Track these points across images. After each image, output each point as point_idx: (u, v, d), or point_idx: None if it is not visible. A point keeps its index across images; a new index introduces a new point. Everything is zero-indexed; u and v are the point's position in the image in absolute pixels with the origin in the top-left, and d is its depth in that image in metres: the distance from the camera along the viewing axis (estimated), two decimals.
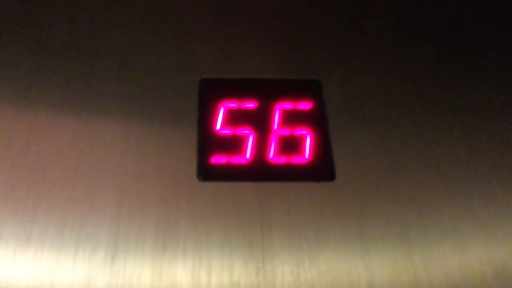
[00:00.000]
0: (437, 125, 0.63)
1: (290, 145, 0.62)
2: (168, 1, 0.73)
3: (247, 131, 0.62)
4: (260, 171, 0.59)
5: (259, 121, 0.63)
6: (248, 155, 0.60)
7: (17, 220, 0.53)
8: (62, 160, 0.57)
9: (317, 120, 0.64)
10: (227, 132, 0.62)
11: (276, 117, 0.64)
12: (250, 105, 0.64)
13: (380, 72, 0.68)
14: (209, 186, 0.57)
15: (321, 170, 0.60)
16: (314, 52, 0.69)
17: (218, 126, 0.62)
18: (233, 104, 0.64)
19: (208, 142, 0.61)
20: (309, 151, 0.61)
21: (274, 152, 0.61)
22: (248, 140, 0.61)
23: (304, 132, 0.63)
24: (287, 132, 0.62)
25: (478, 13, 0.74)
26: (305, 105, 0.65)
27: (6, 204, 0.54)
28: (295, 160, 0.60)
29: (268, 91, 0.66)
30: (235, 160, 0.60)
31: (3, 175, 0.56)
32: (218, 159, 0.60)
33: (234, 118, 0.63)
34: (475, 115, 0.64)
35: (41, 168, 0.57)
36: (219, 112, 0.63)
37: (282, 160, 0.60)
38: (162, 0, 0.73)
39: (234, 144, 0.61)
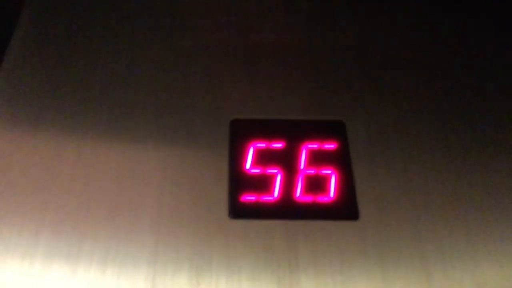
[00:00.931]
0: (457, 163, 0.66)
1: (316, 184, 0.65)
2: (199, 42, 0.78)
3: (275, 171, 0.66)
4: (287, 210, 0.63)
5: (286, 161, 0.67)
6: (276, 193, 0.64)
7: (62, 257, 0.58)
8: (104, 198, 0.62)
9: (342, 160, 0.67)
10: (257, 171, 0.66)
11: (303, 156, 0.67)
12: (278, 145, 0.68)
13: (402, 112, 0.71)
14: (240, 223, 0.61)
15: (345, 209, 0.63)
16: (338, 93, 0.73)
17: (248, 165, 0.66)
18: (262, 144, 0.68)
19: (238, 181, 0.65)
20: (334, 190, 0.64)
21: (300, 191, 0.64)
22: (276, 179, 0.65)
23: (329, 171, 0.66)
24: (313, 172, 0.66)
25: (497, 49, 0.77)
26: (330, 145, 0.68)
27: (52, 241, 0.59)
28: (321, 199, 0.64)
29: (295, 131, 0.69)
30: (264, 198, 0.64)
31: (50, 213, 0.61)
32: (248, 197, 0.64)
33: (263, 157, 0.67)
34: (495, 153, 0.67)
35: (85, 205, 0.61)
36: (248, 152, 0.67)
37: (308, 198, 0.64)
38: (193, 42, 0.78)
39: (263, 183, 0.65)
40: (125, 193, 0.63)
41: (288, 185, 0.65)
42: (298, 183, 0.65)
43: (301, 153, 0.68)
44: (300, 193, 0.64)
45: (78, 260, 0.57)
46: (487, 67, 0.76)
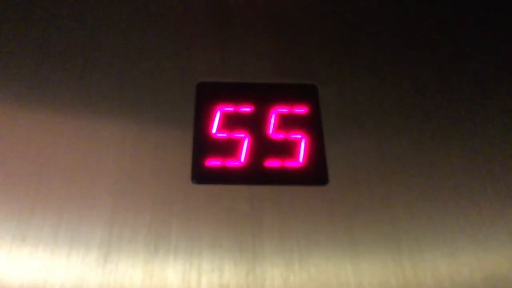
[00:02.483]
0: (432, 129, 0.63)
1: (285, 149, 0.62)
2: (166, 5, 0.74)
3: (242, 135, 0.63)
4: (254, 175, 0.60)
5: (254, 125, 0.64)
6: (242, 158, 0.61)
7: (13, 220, 0.55)
8: (59, 162, 0.59)
9: (313, 125, 0.64)
10: (223, 135, 0.63)
11: (272, 121, 0.64)
12: (246, 109, 0.65)
13: (376, 77, 0.68)
14: (203, 188, 0.58)
15: (314, 174, 0.60)
16: (310, 56, 0.70)
17: (214, 130, 0.63)
18: (229, 108, 0.65)
19: (203, 145, 0.62)
20: (303, 155, 0.62)
21: (268, 156, 0.61)
22: (243, 143, 0.62)
23: (299, 136, 0.63)
24: (282, 136, 0.63)
25: (477, 16, 0.74)
26: (301, 110, 0.65)
27: (2, 203, 0.55)
28: (289, 164, 0.61)
29: (264, 95, 0.66)
30: (230, 163, 0.61)
31: (2, 174, 0.57)
32: (213, 162, 0.61)
33: (230, 122, 0.64)
34: (470, 120, 0.64)
35: (38, 169, 0.58)
36: (215, 116, 0.64)
37: (277, 164, 0.61)
38: (160, 4, 0.74)
39: (229, 148, 0.62)
40: (81, 156, 0.59)
41: (256, 150, 0.62)
42: (266, 148, 0.62)
43: (270, 117, 0.65)
44: (268, 158, 0.61)
45: (28, 226, 0.54)
46: (468, 32, 0.73)
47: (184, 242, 0.54)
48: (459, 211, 0.58)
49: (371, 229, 0.56)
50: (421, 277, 0.53)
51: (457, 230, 0.56)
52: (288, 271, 0.53)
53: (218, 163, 0.61)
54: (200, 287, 0.52)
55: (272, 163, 0.61)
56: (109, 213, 0.55)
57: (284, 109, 0.65)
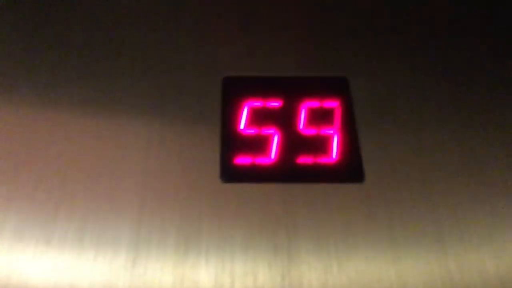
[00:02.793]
0: (474, 121, 0.60)
1: (317, 145, 0.59)
2: None
3: (272, 131, 0.60)
4: (285, 172, 0.57)
5: (284, 120, 0.61)
6: (273, 155, 0.58)
7: (38, 222, 0.52)
8: (83, 161, 0.56)
9: (345, 119, 0.61)
10: (251, 132, 0.60)
11: (302, 116, 0.61)
12: (275, 103, 0.62)
13: (410, 67, 0.65)
14: (233, 187, 0.55)
15: (350, 171, 0.57)
16: (340, 48, 0.67)
17: (242, 126, 0.60)
18: (257, 103, 0.62)
19: (231, 142, 0.59)
20: (337, 151, 0.59)
21: (300, 152, 0.58)
22: (273, 140, 0.59)
23: (331, 131, 0.60)
24: (314, 132, 0.60)
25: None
26: (332, 103, 0.62)
27: (27, 205, 0.53)
28: (322, 160, 0.58)
29: (293, 89, 0.63)
30: (260, 160, 0.58)
31: (24, 176, 0.55)
32: (242, 159, 0.58)
33: (258, 117, 0.61)
34: None
35: (62, 169, 0.56)
36: (243, 111, 0.61)
37: (309, 160, 0.58)
38: None
39: (258, 144, 0.59)
40: (107, 156, 0.57)
41: (286, 146, 0.59)
42: (297, 144, 0.59)
43: (300, 112, 0.62)
44: (300, 155, 0.58)
45: (53, 229, 0.52)
46: (503, 22, 0.69)
47: (215, 244, 0.52)
48: (505, 206, 0.54)
49: (413, 228, 0.53)
50: (468, 279, 0.50)
51: (504, 227, 0.53)
52: (326, 274, 0.50)
53: (248, 160, 0.58)
54: None
55: (304, 159, 0.58)
56: (136, 215, 0.53)
57: (314, 103, 0.62)
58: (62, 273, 0.49)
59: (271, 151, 0.58)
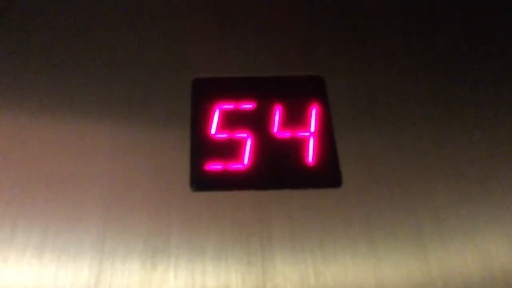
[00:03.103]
0: (452, 121, 0.58)
1: (292, 148, 0.56)
2: None
3: (245, 135, 0.57)
4: (259, 179, 0.54)
5: (257, 123, 0.58)
6: (246, 161, 0.55)
7: None
8: (43, 170, 0.53)
9: (321, 121, 0.58)
10: (223, 136, 0.57)
11: (276, 118, 0.58)
12: (248, 106, 0.59)
13: (388, 67, 0.62)
14: (204, 196, 0.53)
15: (326, 175, 0.55)
16: (316, 47, 0.64)
17: (213, 130, 0.57)
18: (229, 105, 0.59)
19: (202, 148, 0.56)
20: (313, 155, 0.56)
21: (274, 157, 0.56)
22: (245, 144, 0.57)
23: (307, 134, 0.58)
24: (288, 135, 0.57)
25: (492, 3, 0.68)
26: (308, 104, 0.60)
27: None
28: (298, 165, 0.55)
29: (267, 90, 0.61)
30: (232, 166, 0.55)
31: None
32: (213, 166, 0.55)
33: (230, 120, 0.58)
34: (493, 109, 0.59)
35: (22, 176, 0.52)
36: (214, 114, 0.58)
37: (284, 165, 0.55)
38: None
39: (230, 149, 0.56)
40: (69, 162, 0.53)
41: (260, 151, 0.56)
42: (271, 148, 0.56)
43: (274, 114, 0.59)
44: (274, 160, 0.56)
45: (10, 245, 0.48)
46: (485, 18, 0.67)
47: (185, 256, 0.49)
48: (486, 206, 0.52)
49: (393, 233, 0.50)
50: (451, 285, 0.48)
51: (488, 230, 0.51)
52: (303, 285, 0.47)
53: (219, 167, 0.55)
54: None
55: (278, 164, 0.55)
56: (100, 227, 0.49)
57: (289, 105, 0.59)
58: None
59: (244, 156, 0.56)
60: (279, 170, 0.55)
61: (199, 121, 0.58)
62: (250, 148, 0.56)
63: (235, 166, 0.55)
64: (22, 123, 0.56)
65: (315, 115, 0.59)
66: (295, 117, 0.59)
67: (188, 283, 0.47)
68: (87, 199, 0.51)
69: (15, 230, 0.49)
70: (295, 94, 0.60)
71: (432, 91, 0.60)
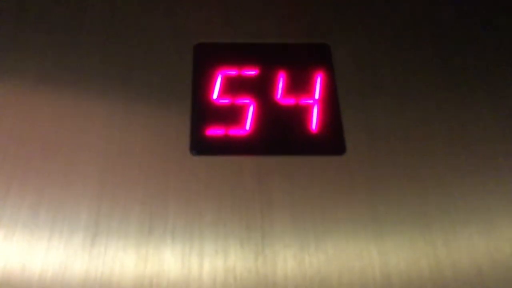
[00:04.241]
0: (460, 89, 0.56)
1: (295, 115, 0.55)
2: None
3: (247, 101, 0.56)
4: (261, 144, 0.53)
5: (260, 90, 0.57)
6: (248, 126, 0.54)
7: None
8: (39, 134, 0.52)
9: (326, 88, 0.57)
10: (225, 101, 0.56)
11: (280, 85, 0.57)
12: (251, 72, 0.58)
13: (395, 34, 0.61)
14: (204, 160, 0.51)
15: (330, 142, 0.53)
16: (321, 13, 0.63)
17: (215, 95, 0.56)
18: (232, 71, 0.58)
19: (203, 113, 0.55)
20: (316, 122, 0.54)
21: (277, 123, 0.54)
22: (248, 110, 0.55)
23: (310, 101, 0.56)
24: (292, 102, 0.56)
25: None
26: (312, 72, 0.58)
27: None
28: (301, 132, 0.54)
29: (271, 56, 0.59)
30: (233, 132, 0.54)
31: None
32: (214, 131, 0.54)
33: (232, 86, 0.57)
34: (502, 77, 0.57)
35: (15, 141, 0.51)
36: (216, 80, 0.57)
37: (286, 132, 0.54)
38: None
39: (232, 115, 0.55)
40: (65, 126, 0.52)
41: (263, 117, 0.55)
42: (274, 114, 0.55)
43: (278, 80, 0.57)
44: (276, 126, 0.54)
45: (3, 206, 0.47)
46: None
47: (183, 221, 0.47)
48: (495, 178, 0.51)
49: (396, 203, 0.49)
50: (455, 256, 0.46)
51: (494, 200, 0.49)
52: (303, 252, 0.46)
53: (220, 132, 0.54)
54: (202, 272, 0.45)
55: (281, 131, 0.54)
56: (96, 189, 0.48)
57: (293, 72, 0.58)
58: (13, 253, 0.45)
59: (246, 122, 0.54)
60: (281, 136, 0.53)
61: (200, 87, 0.56)
62: (253, 114, 0.55)
63: (236, 132, 0.54)
64: (18, 87, 0.55)
65: (320, 83, 0.57)
66: (299, 84, 0.57)
67: (186, 247, 0.46)
68: (84, 161, 0.50)
69: (8, 191, 0.48)
70: (300, 61, 0.59)
71: (438, 59, 0.59)
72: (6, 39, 0.58)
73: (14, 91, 0.54)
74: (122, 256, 0.45)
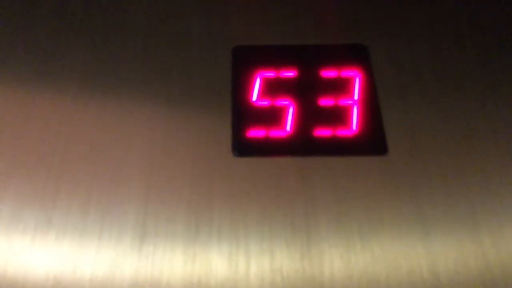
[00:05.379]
0: (502, 87, 0.56)
1: (336, 116, 0.55)
2: None
3: (286, 102, 0.56)
4: (302, 145, 0.53)
5: (299, 91, 0.57)
6: (288, 127, 0.54)
7: (37, 202, 0.49)
8: (85, 136, 0.53)
9: (365, 89, 0.57)
10: (265, 103, 0.56)
11: (319, 86, 0.57)
12: (290, 73, 0.58)
13: (433, 34, 0.60)
14: (246, 162, 0.52)
15: (371, 143, 0.53)
16: (359, 14, 0.62)
17: (254, 97, 0.56)
18: (270, 73, 0.58)
19: (243, 115, 0.55)
20: (357, 123, 0.54)
21: (317, 124, 0.54)
22: (288, 111, 0.55)
23: (350, 102, 0.56)
24: (331, 102, 0.56)
25: None
26: (351, 72, 0.58)
27: (26, 184, 0.50)
28: (341, 132, 0.54)
29: (309, 57, 0.59)
30: (274, 133, 0.54)
31: (23, 153, 0.52)
32: (255, 132, 0.54)
33: (272, 88, 0.57)
34: None
35: (62, 145, 0.52)
36: (255, 82, 0.57)
37: (327, 132, 0.54)
38: None
39: (272, 116, 0.55)
40: (110, 130, 0.53)
41: (303, 118, 0.55)
42: (314, 115, 0.55)
43: (317, 81, 0.57)
44: (317, 127, 0.54)
45: (53, 207, 0.48)
46: None
47: (228, 221, 0.48)
48: None
49: (442, 202, 0.48)
50: (504, 257, 0.46)
51: None
52: (349, 252, 0.46)
53: (261, 133, 0.54)
54: (249, 272, 0.45)
55: (322, 131, 0.54)
56: (143, 191, 0.49)
57: (331, 72, 0.58)
58: (64, 254, 0.46)
59: (286, 123, 0.55)
60: (322, 137, 0.53)
61: (240, 89, 0.57)
62: (293, 115, 0.55)
63: (277, 133, 0.54)
64: (62, 94, 0.56)
65: (358, 83, 0.57)
66: (338, 85, 0.57)
67: (232, 247, 0.46)
68: (130, 163, 0.51)
69: (58, 193, 0.49)
70: (338, 62, 0.59)
71: (479, 58, 0.58)
72: (47, 42, 0.59)
73: (60, 95, 0.55)
74: (170, 257, 0.46)
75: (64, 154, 0.51)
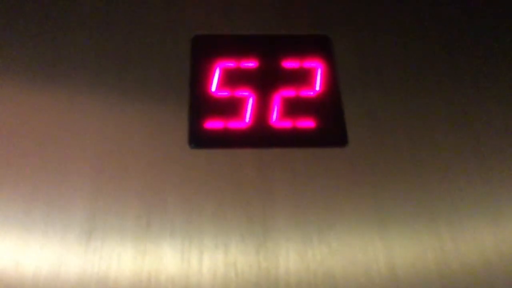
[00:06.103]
0: (464, 80, 0.55)
1: (296, 107, 0.54)
2: None
3: (246, 93, 0.55)
4: (261, 137, 0.52)
5: (260, 82, 0.55)
6: (247, 119, 0.53)
7: None
8: (32, 128, 0.50)
9: (327, 80, 0.56)
10: (224, 94, 0.55)
11: (280, 77, 0.56)
12: (250, 64, 0.57)
13: (396, 25, 0.59)
14: (203, 154, 0.50)
15: (332, 134, 0.52)
16: (323, 5, 0.61)
17: (213, 88, 0.55)
18: (230, 64, 0.57)
19: (201, 105, 0.53)
20: (318, 114, 0.53)
21: (277, 115, 0.53)
22: (247, 102, 0.54)
23: (311, 93, 0.55)
24: (292, 93, 0.55)
25: None
26: (313, 64, 0.57)
27: None
28: (302, 124, 0.53)
29: (271, 48, 0.58)
30: (233, 124, 0.53)
31: None
32: (213, 124, 0.53)
33: (231, 78, 0.56)
34: (508, 70, 0.56)
35: (9, 137, 0.50)
36: (214, 73, 0.56)
37: (287, 124, 0.53)
38: None
39: (231, 108, 0.54)
40: (60, 119, 0.51)
41: (262, 109, 0.54)
42: (274, 106, 0.54)
43: (278, 72, 0.56)
44: (277, 118, 0.53)
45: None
46: None
47: (182, 215, 0.46)
48: (501, 170, 0.49)
49: (400, 195, 0.48)
50: (462, 249, 0.45)
51: (500, 192, 0.48)
52: (306, 245, 0.45)
53: (219, 124, 0.53)
54: (202, 267, 0.44)
55: (282, 123, 0.53)
56: (93, 183, 0.47)
57: (293, 64, 0.57)
58: (7, 250, 0.44)
59: (245, 115, 0.53)
60: (282, 128, 0.52)
61: (199, 79, 0.55)
62: (252, 106, 0.54)
63: (235, 124, 0.53)
64: (12, 83, 0.53)
65: (320, 75, 0.56)
66: (300, 77, 0.56)
67: (185, 241, 0.45)
68: (79, 156, 0.49)
69: (2, 187, 0.47)
70: (300, 53, 0.58)
71: (441, 50, 0.58)
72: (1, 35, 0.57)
73: (8, 87, 0.53)
74: (119, 251, 0.44)
75: (9, 146, 0.49)
